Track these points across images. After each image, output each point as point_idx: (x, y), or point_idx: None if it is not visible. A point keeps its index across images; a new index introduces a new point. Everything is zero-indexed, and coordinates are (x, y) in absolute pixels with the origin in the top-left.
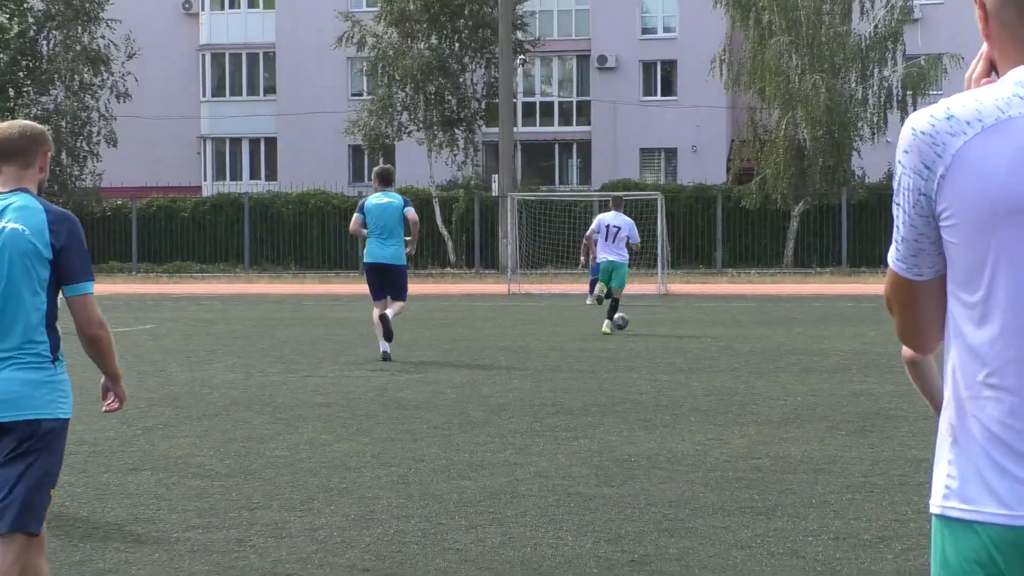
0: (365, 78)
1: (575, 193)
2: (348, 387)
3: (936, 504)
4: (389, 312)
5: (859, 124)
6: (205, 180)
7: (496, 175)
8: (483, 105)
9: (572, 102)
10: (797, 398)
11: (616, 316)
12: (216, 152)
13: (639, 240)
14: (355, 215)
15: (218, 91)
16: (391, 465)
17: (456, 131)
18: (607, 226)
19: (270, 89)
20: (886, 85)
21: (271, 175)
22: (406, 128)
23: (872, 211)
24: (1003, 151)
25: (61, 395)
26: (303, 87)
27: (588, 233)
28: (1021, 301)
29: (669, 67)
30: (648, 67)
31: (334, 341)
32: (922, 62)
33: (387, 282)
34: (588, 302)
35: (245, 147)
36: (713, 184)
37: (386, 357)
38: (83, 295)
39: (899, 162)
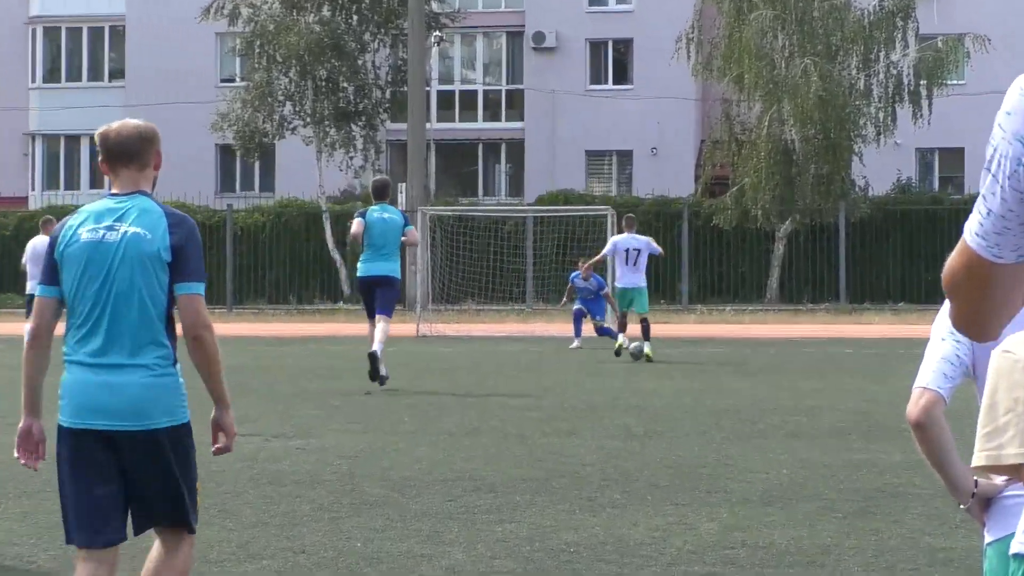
0: (238, 59)
1: (504, 207)
2: (207, 456)
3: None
4: (377, 346)
5: (861, 121)
6: (33, 189)
7: (403, 184)
8: (388, 95)
9: (501, 91)
10: (782, 471)
11: (633, 345)
12: (48, 153)
13: (660, 250)
14: (357, 219)
15: (52, 76)
16: (262, 557)
17: (353, 127)
18: (626, 250)
19: (117, 73)
20: (894, 72)
21: None
22: (289, 123)
23: (878, 231)
24: None
25: (183, 398)
26: (159, 71)
27: (590, 262)
28: None
29: (623, 48)
30: (596, 47)
31: (190, 394)
32: (939, 44)
33: (377, 296)
34: (573, 346)
35: (85, 147)
36: (678, 196)
37: (374, 357)
38: (193, 294)
39: (999, 124)
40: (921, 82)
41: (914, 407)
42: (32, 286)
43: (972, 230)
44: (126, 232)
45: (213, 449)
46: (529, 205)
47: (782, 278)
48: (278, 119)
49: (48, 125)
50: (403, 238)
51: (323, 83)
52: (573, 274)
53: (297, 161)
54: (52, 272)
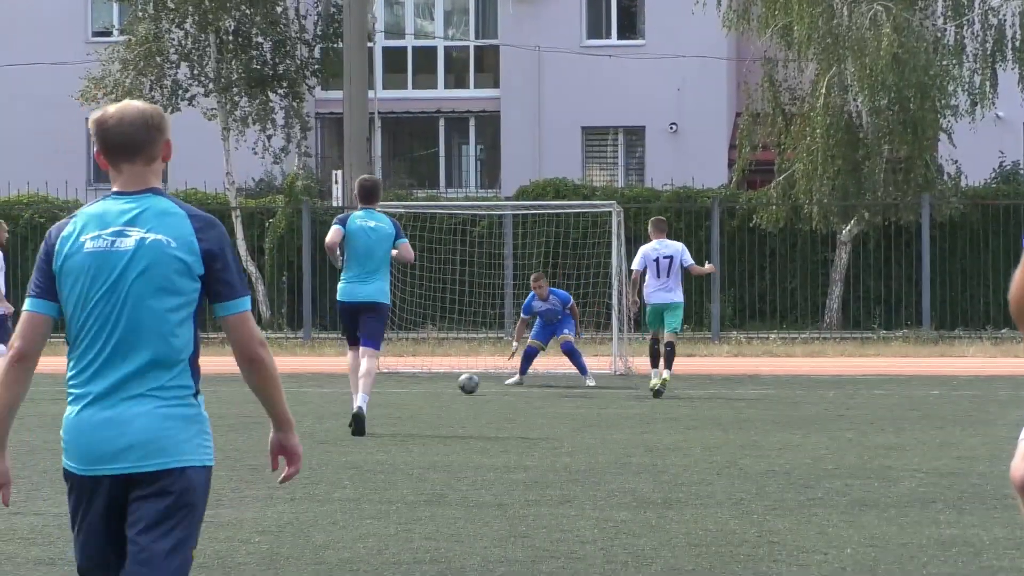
0: (116, 7)
1: (475, 202)
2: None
3: None
4: (361, 399)
5: (951, 88)
6: None
7: (339, 171)
8: (317, 53)
9: (468, 49)
10: (846, 550)
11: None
12: None
13: (693, 263)
14: (335, 227)
15: None
16: None
17: (271, 96)
18: (656, 259)
19: None
20: (994, 23)
21: None
22: (186, 91)
23: (973, 233)
24: None
25: (207, 437)
26: (10, 22)
27: (541, 278)
28: None
29: None
30: None
31: (56, 453)
32: None
33: (363, 323)
34: (510, 381)
35: None
36: (706, 188)
37: (360, 419)
38: (242, 312)
39: None
40: None
41: (1020, 464)
42: None
43: None
44: (143, 239)
45: (280, 478)
46: (508, 199)
47: (846, 296)
48: (171, 85)
49: None
50: (394, 252)
51: (230, 38)
52: (527, 301)
53: (197, 141)
54: (46, 286)
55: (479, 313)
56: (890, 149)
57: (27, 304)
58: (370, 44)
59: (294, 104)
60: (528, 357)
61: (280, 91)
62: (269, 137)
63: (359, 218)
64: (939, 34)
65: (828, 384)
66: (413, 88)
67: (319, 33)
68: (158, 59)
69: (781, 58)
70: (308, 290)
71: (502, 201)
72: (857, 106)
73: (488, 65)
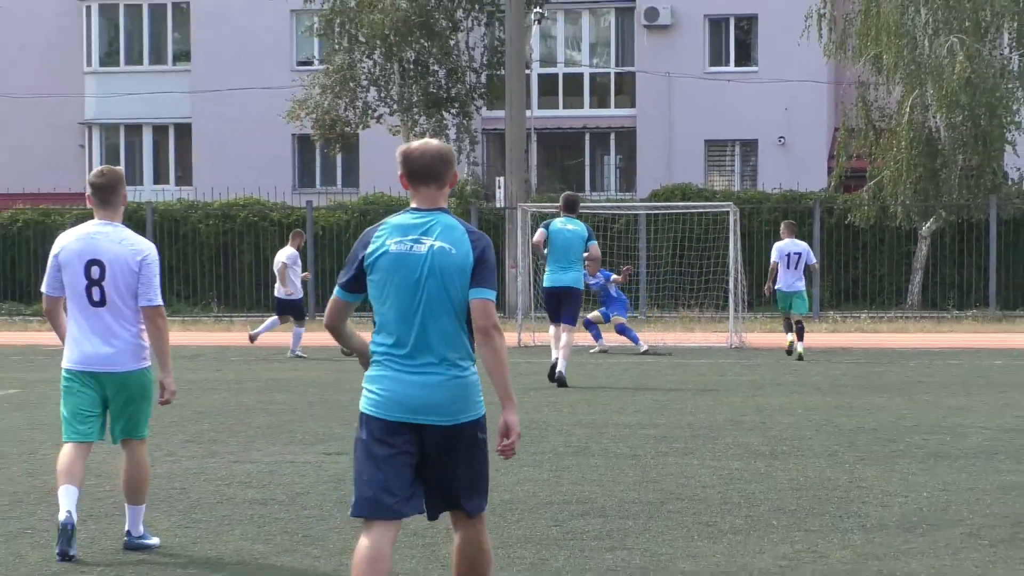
0: (317, 40)
1: (615, 203)
2: (292, 477)
3: None
4: (562, 364)
5: (1014, 107)
6: None
7: (502, 178)
8: (483, 79)
9: (610, 74)
10: (922, 494)
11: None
12: (106, 144)
13: (816, 261)
14: (540, 229)
15: (109, 59)
16: None
17: (445, 115)
18: (787, 254)
19: (182, 56)
20: None
21: (184, 177)
22: (374, 111)
23: None
24: None
25: (480, 394)
26: (228, 54)
27: (590, 260)
28: None
29: (747, 24)
30: (717, 24)
31: (272, 412)
32: None
33: (562, 304)
34: (594, 350)
35: (147, 137)
36: (808, 191)
37: (562, 378)
38: (486, 299)
39: None
40: None
41: None
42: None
43: None
44: (432, 246)
45: (498, 448)
46: (642, 201)
47: (925, 282)
48: (361, 106)
49: (106, 113)
50: (585, 254)
51: (411, 66)
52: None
53: (383, 153)
54: (354, 280)
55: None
56: (963, 158)
57: (335, 292)
58: (528, 71)
59: (464, 122)
60: (589, 324)
61: (452, 111)
62: None
63: (560, 222)
64: (1005, 61)
65: (909, 356)
66: (563, 108)
67: (485, 62)
68: (351, 84)
69: (872, 82)
70: None
71: (637, 202)
72: (936, 122)
73: (626, 88)
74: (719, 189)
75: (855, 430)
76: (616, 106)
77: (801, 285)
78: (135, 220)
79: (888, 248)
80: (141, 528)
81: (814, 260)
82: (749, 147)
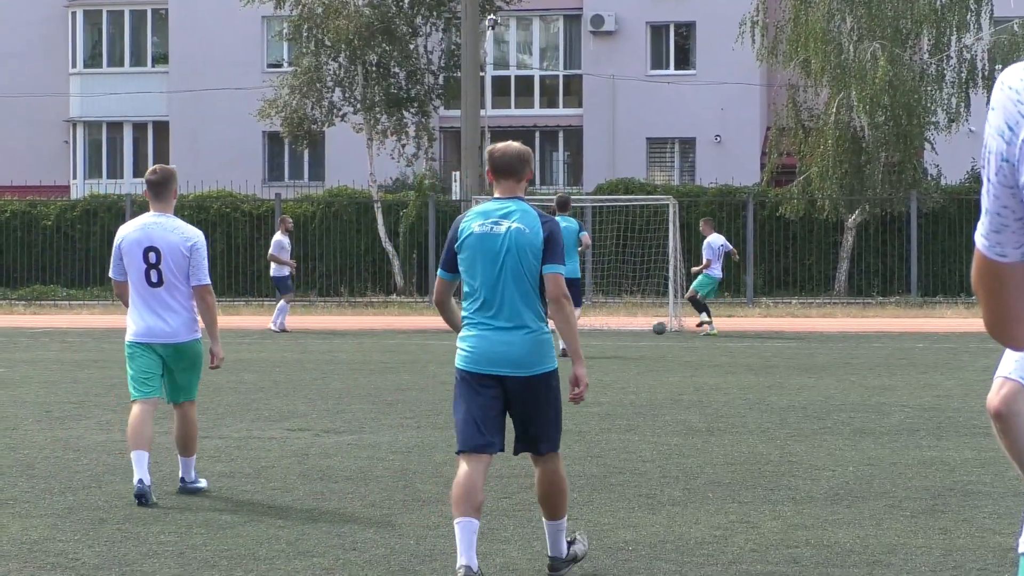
0: (286, 44)
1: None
2: (258, 452)
3: None
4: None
5: (933, 108)
6: (75, 178)
7: (457, 172)
8: (441, 80)
9: (558, 77)
10: (848, 468)
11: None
12: (90, 140)
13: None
14: None
15: (93, 61)
16: (313, 555)
17: (405, 114)
18: (719, 247)
19: (160, 58)
20: (968, 57)
21: None
22: (339, 110)
23: (951, 222)
24: None
25: (553, 350)
26: (203, 56)
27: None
28: None
29: (685, 31)
30: (658, 31)
31: (240, 391)
32: (1015, 27)
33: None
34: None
35: (128, 134)
36: (743, 186)
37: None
38: (556, 273)
39: (988, 122)
40: (996, 67)
41: (994, 396)
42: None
43: (979, 231)
44: (510, 227)
45: (570, 396)
46: (588, 194)
47: (851, 270)
48: (327, 106)
49: (89, 112)
50: (580, 248)
51: (373, 68)
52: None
53: (347, 149)
54: (451, 260)
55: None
56: (886, 155)
57: (438, 272)
58: (482, 73)
59: (423, 120)
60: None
61: (412, 110)
62: (403, 146)
63: (558, 221)
64: (924, 66)
65: (836, 339)
66: (515, 108)
67: (442, 65)
68: (318, 85)
69: (801, 84)
70: (432, 265)
71: (584, 196)
72: (860, 122)
73: (573, 89)
74: (659, 183)
75: (786, 408)
76: (564, 106)
77: (718, 272)
78: (115, 211)
79: (816, 239)
80: (193, 474)
81: (731, 247)
82: (687, 145)
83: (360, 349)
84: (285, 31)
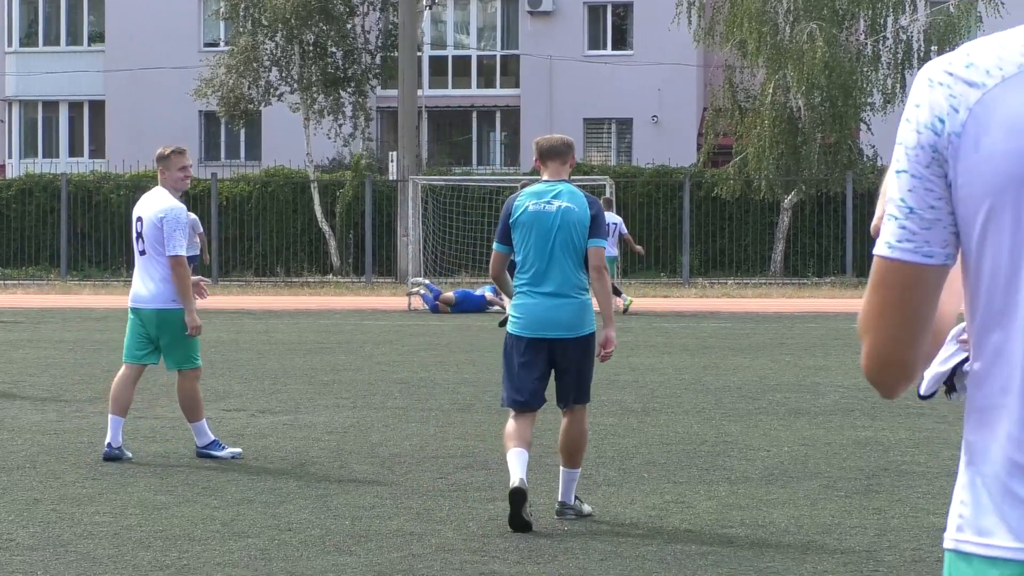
0: (222, 23)
1: (499, 177)
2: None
3: (950, 538)
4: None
5: (869, 89)
6: (10, 157)
7: (394, 152)
8: (378, 60)
9: (495, 57)
10: (783, 448)
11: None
12: (26, 119)
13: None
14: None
15: (28, 40)
16: (248, 535)
17: (342, 94)
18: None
19: (97, 37)
20: (904, 38)
21: (97, 150)
22: (276, 89)
23: None
24: (1022, 107)
25: (593, 314)
26: (140, 35)
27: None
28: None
29: (623, 11)
30: (595, 11)
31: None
32: (951, 8)
33: None
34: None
35: (63, 113)
36: (679, 166)
37: None
38: (599, 246)
39: (906, 119)
40: (932, 48)
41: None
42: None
43: (892, 241)
44: (560, 206)
45: (599, 355)
46: (525, 175)
47: (787, 251)
48: (264, 85)
49: (25, 91)
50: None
51: (310, 48)
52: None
53: (284, 129)
54: (506, 234)
55: None
56: (822, 136)
57: (495, 246)
58: (419, 53)
59: (360, 100)
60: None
61: (349, 90)
62: (340, 126)
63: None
64: (860, 47)
65: (772, 319)
66: (452, 88)
67: (380, 44)
68: (255, 65)
69: (738, 65)
70: (369, 245)
71: (521, 176)
72: (796, 102)
73: (511, 70)
74: (597, 164)
75: (721, 388)
76: (501, 86)
77: (614, 252)
78: (51, 190)
79: (752, 219)
80: (205, 439)
81: (625, 231)
82: (624, 125)
83: (296, 329)
84: (222, 10)
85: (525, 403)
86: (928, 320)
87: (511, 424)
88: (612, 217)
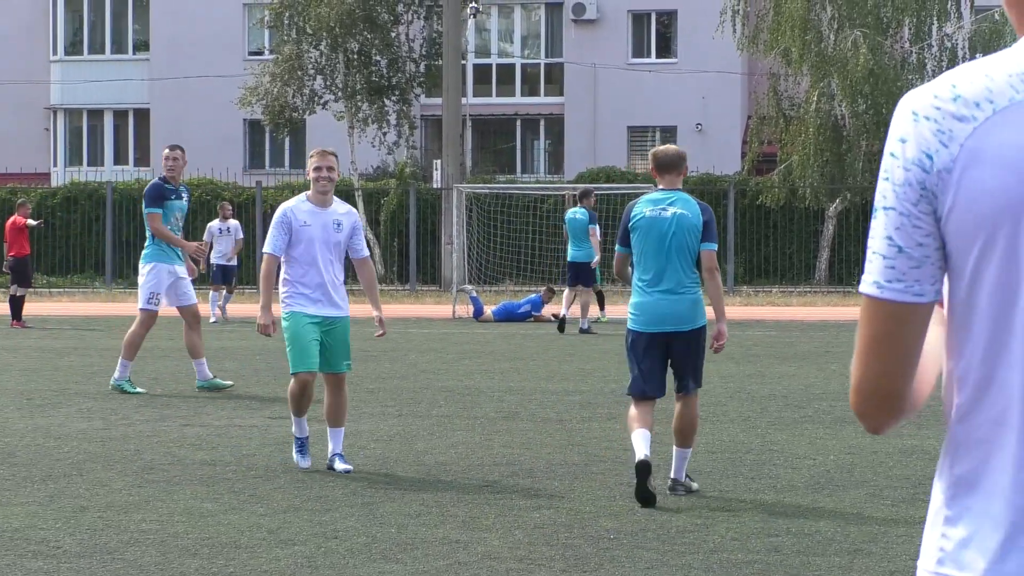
0: (267, 31)
1: (543, 185)
2: (239, 440)
3: (927, 569)
4: (563, 310)
5: None
6: (56, 165)
7: (439, 161)
8: (422, 68)
9: (540, 65)
10: (829, 457)
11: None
12: (70, 128)
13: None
14: (593, 227)
15: (73, 48)
16: (294, 543)
17: (386, 102)
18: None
19: (141, 45)
20: (949, 45)
21: (142, 158)
22: (320, 98)
23: None
24: (1015, 141)
25: (704, 309)
26: (184, 43)
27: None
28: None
29: (667, 20)
30: (639, 19)
31: (222, 378)
32: (996, 16)
33: (576, 273)
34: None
35: (108, 121)
36: (723, 174)
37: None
38: (711, 250)
39: (891, 154)
40: (977, 55)
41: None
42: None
43: (881, 280)
44: (675, 212)
45: (713, 347)
46: (569, 183)
47: (831, 259)
48: (308, 93)
49: (70, 99)
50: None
51: (355, 56)
52: None
53: (328, 137)
54: (625, 237)
55: (546, 271)
56: (867, 143)
57: (617, 248)
58: (463, 61)
59: (404, 108)
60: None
61: (393, 98)
62: (384, 134)
63: (571, 212)
64: (905, 55)
65: (817, 327)
66: (496, 96)
67: (424, 53)
68: (299, 73)
69: (782, 73)
70: (413, 253)
71: (564, 184)
72: (841, 110)
73: (555, 78)
74: (640, 172)
75: (767, 397)
76: (546, 94)
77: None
78: (96, 199)
79: (797, 227)
80: (332, 448)
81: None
82: (669, 133)
83: None
84: (266, 18)
85: (646, 394)
86: (917, 353)
87: (634, 410)
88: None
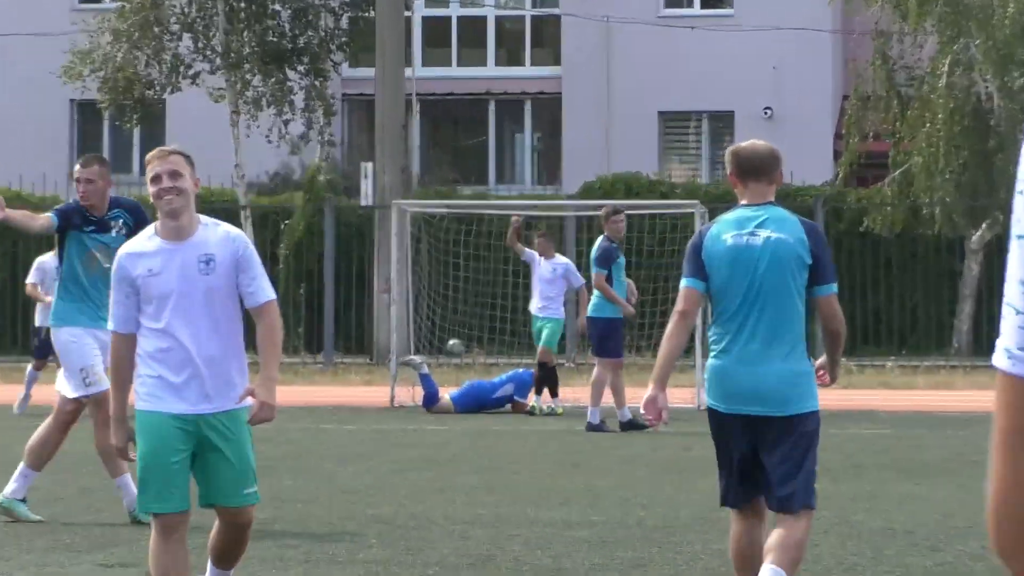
0: None
1: (530, 201)
2: None
3: None
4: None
5: None
6: None
7: (369, 164)
8: (344, 23)
9: (524, 19)
10: None
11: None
12: None
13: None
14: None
15: None
16: None
17: (290, 74)
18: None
19: None
20: None
21: None
22: (189, 67)
23: None
24: None
25: (815, 385)
26: None
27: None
28: None
29: None
30: None
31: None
32: None
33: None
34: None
35: None
36: (807, 184)
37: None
38: (829, 295)
39: None
40: None
41: None
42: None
43: (1012, 349)
44: (768, 237)
45: (819, 378)
46: (570, 197)
47: (977, 316)
48: (170, 60)
49: None
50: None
51: (242, 4)
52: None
53: (200, 127)
54: (700, 268)
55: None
56: None
57: (684, 282)
58: (408, 12)
59: (316, 83)
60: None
61: (300, 68)
62: (286, 122)
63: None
64: None
65: (957, 423)
66: (458, 65)
67: (347, 1)
68: (156, 29)
69: (895, 31)
70: (330, 305)
71: (563, 200)
72: (986, 86)
73: (547, 39)
74: (679, 181)
75: (881, 532)
76: (533, 63)
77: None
78: None
79: (923, 267)
80: None
81: (580, 280)
82: (722, 122)
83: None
84: None
85: (736, 500)
86: None
87: (736, 528)
88: (560, 260)
